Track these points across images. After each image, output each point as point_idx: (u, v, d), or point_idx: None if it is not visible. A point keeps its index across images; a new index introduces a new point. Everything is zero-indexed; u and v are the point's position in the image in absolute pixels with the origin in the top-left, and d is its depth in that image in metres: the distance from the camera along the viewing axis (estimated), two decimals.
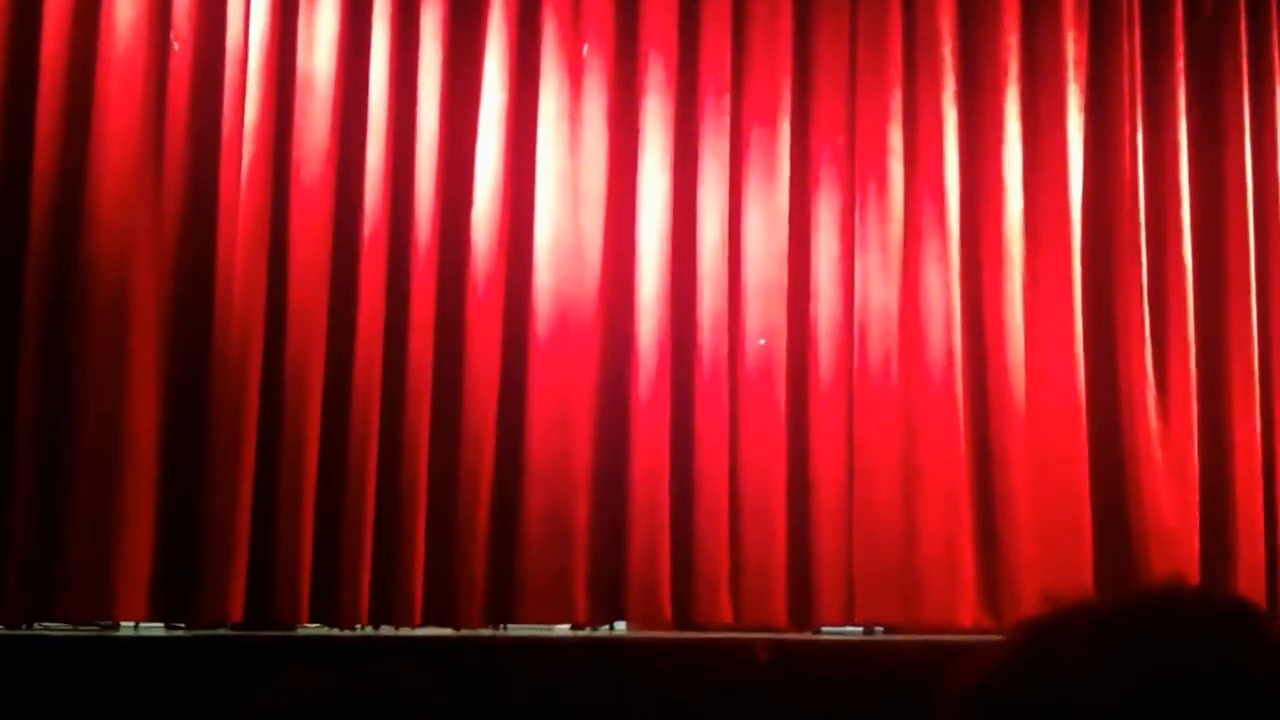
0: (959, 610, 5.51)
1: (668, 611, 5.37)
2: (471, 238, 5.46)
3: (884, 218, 5.75)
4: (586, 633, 5.35)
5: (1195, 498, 5.73)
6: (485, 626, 5.27)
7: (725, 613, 5.42)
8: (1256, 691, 1.01)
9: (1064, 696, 1.02)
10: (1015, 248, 5.79)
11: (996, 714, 1.05)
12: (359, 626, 5.17)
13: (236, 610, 5.04)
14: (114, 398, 5.06)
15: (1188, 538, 5.69)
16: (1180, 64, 6.00)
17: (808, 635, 5.45)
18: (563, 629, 5.37)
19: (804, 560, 5.51)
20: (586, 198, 5.57)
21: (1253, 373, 5.84)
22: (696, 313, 5.58)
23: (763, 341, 5.59)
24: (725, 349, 5.57)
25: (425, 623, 5.23)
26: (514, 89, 5.57)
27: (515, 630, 5.31)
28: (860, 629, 5.55)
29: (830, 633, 5.53)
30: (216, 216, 5.22)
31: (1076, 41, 5.94)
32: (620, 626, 5.44)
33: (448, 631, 5.24)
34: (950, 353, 5.67)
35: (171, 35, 5.28)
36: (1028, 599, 5.49)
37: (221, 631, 5.04)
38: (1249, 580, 5.67)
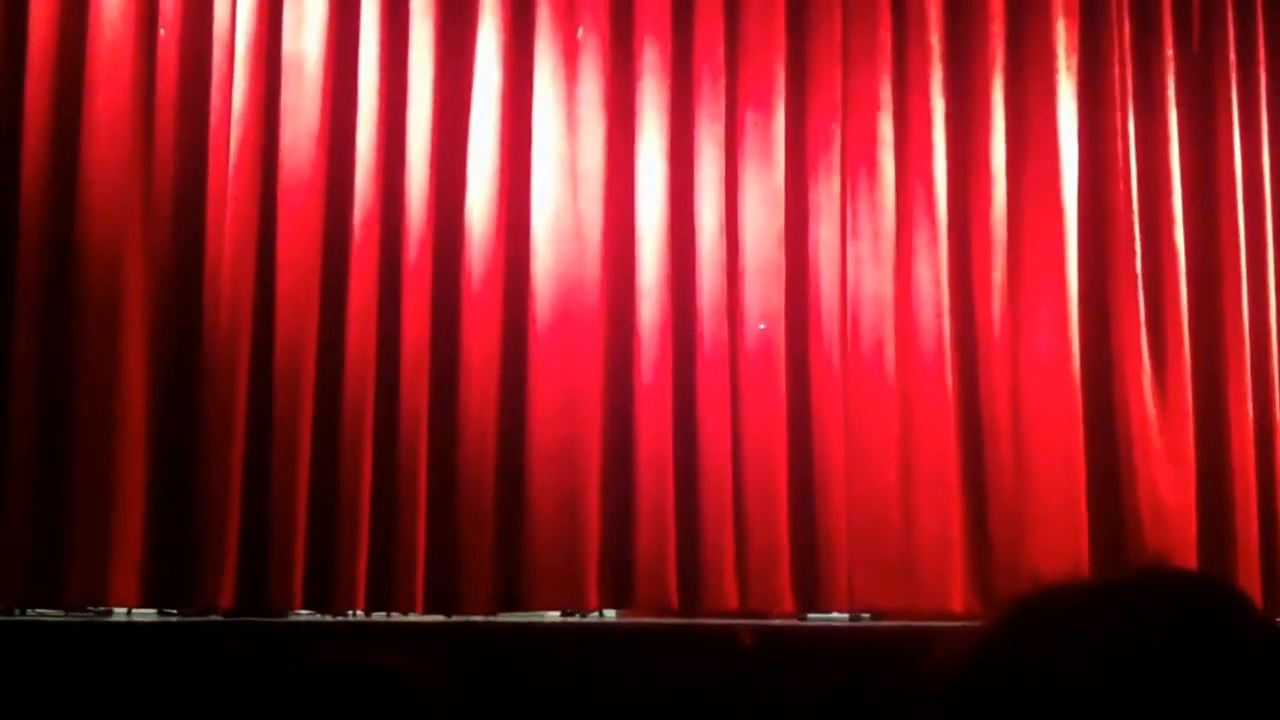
0: (951, 596, 5.53)
1: (674, 598, 5.36)
2: (467, 222, 5.44)
3: (875, 206, 5.76)
4: (576, 619, 5.36)
5: (1193, 480, 5.75)
6: (491, 613, 5.26)
7: (730, 599, 5.43)
8: (1235, 669, 1.02)
9: (1044, 676, 1.03)
10: (1005, 236, 5.81)
11: (978, 693, 1.06)
12: (354, 613, 5.18)
13: (229, 596, 5.04)
14: (107, 385, 5.07)
15: (1185, 521, 5.71)
16: (1170, 51, 6.02)
17: (794, 621, 5.47)
18: (553, 615, 5.37)
19: (807, 545, 5.51)
20: (584, 181, 5.56)
21: (1246, 356, 5.86)
22: (696, 296, 5.58)
23: (762, 326, 5.61)
24: (725, 333, 5.57)
25: (429, 610, 5.22)
26: (509, 72, 5.55)
27: (506, 618, 5.32)
28: (846, 615, 5.57)
29: (816, 619, 5.54)
30: (206, 201, 5.21)
31: (1067, 30, 5.95)
32: (609, 614, 5.45)
33: (440, 618, 5.24)
34: (941, 340, 5.69)
35: (158, 20, 5.28)
36: (1024, 585, 5.49)
37: (214, 617, 5.05)
38: (1247, 562, 5.69)
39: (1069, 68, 5.93)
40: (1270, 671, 1.01)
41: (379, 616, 5.21)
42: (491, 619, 5.27)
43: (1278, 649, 1.02)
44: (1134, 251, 5.85)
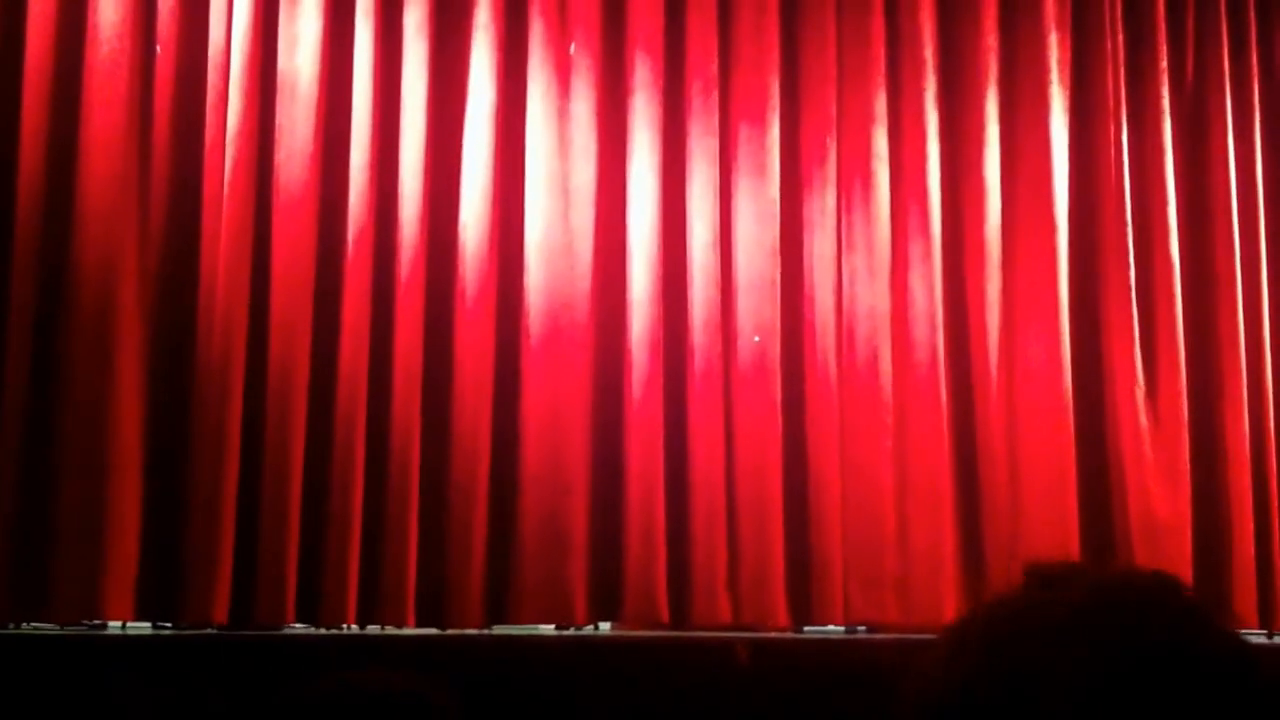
0: (945, 610, 5.53)
1: (665, 613, 5.37)
2: (460, 239, 5.47)
3: (869, 219, 5.78)
4: (571, 632, 5.36)
5: (1187, 495, 5.75)
6: (480, 627, 5.27)
7: (723, 613, 5.43)
8: (1205, 678, 1.02)
9: (1021, 688, 1.04)
10: (999, 249, 5.83)
11: (956, 704, 1.07)
12: (346, 626, 5.19)
13: (223, 610, 5.05)
14: (99, 400, 5.08)
15: (1180, 536, 5.71)
16: (1164, 64, 6.04)
17: (789, 634, 5.47)
18: (548, 629, 5.38)
19: (802, 560, 5.52)
20: (576, 197, 5.58)
21: (1241, 370, 5.87)
22: (688, 311, 5.59)
23: (757, 339, 5.62)
24: (718, 347, 5.58)
25: (419, 624, 5.23)
26: (501, 89, 5.58)
27: (501, 630, 5.32)
28: (842, 628, 5.57)
29: (812, 632, 5.55)
30: (200, 220, 5.23)
31: (1060, 44, 5.97)
32: (605, 627, 5.45)
33: (433, 631, 5.25)
34: (935, 353, 5.70)
35: (154, 39, 5.30)
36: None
37: (208, 631, 5.05)
38: (1243, 576, 5.68)
39: (1062, 80, 5.95)
40: (1224, 678, 1.02)
41: (373, 630, 5.22)
42: (485, 632, 5.28)
43: (1232, 654, 1.03)
44: (1127, 264, 5.86)
